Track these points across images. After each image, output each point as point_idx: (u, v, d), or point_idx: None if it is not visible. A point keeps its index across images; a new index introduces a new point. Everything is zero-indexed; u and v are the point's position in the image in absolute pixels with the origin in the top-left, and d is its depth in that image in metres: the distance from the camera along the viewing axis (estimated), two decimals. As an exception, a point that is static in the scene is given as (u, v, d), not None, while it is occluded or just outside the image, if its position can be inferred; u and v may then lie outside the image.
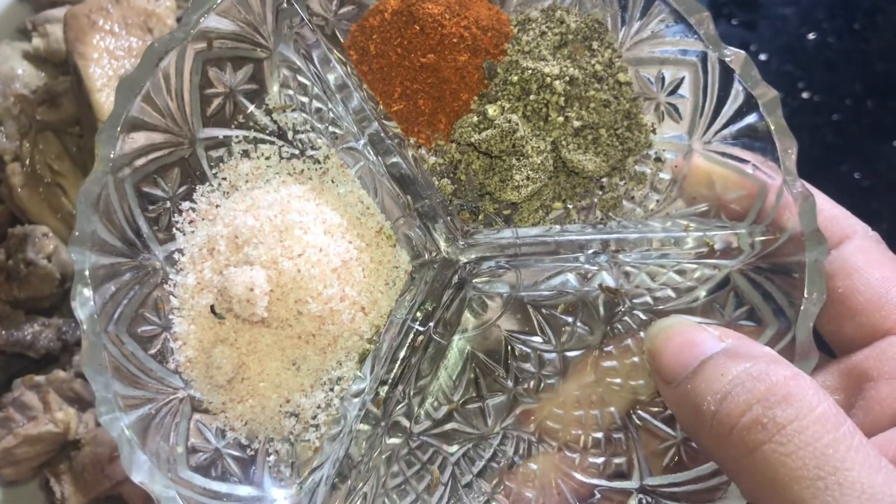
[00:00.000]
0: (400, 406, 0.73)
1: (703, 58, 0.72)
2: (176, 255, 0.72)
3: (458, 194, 0.75)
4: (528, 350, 0.76)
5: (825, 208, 0.73)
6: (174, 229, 0.73)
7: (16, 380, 1.05)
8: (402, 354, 0.71)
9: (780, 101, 0.70)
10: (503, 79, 0.74)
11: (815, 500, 0.54)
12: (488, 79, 0.75)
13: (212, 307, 0.70)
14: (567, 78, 0.73)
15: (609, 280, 0.75)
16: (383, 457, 0.73)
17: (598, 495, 0.73)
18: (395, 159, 0.72)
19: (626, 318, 0.75)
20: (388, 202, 0.75)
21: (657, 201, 0.76)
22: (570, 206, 0.76)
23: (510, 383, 0.75)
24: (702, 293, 0.74)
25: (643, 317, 0.75)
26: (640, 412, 0.74)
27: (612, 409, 0.74)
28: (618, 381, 0.75)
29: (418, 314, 0.71)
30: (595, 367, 0.75)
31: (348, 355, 0.72)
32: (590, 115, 0.74)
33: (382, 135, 0.72)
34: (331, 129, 0.76)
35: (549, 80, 0.72)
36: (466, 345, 0.76)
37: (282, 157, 0.77)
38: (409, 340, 0.71)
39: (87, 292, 0.66)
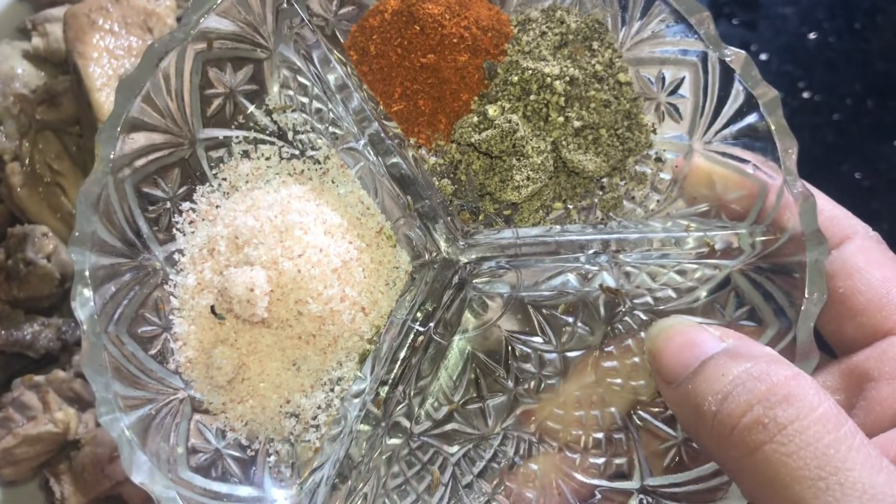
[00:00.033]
0: (400, 406, 0.72)
1: (704, 58, 0.72)
2: (176, 256, 0.72)
3: (459, 194, 0.75)
4: (529, 350, 0.76)
5: (826, 208, 0.73)
6: (174, 230, 0.73)
7: (15, 380, 1.05)
8: (402, 355, 0.71)
9: (781, 101, 0.70)
10: (503, 79, 0.74)
11: (816, 500, 0.54)
12: (488, 79, 0.75)
13: (212, 308, 0.70)
14: (567, 78, 0.73)
15: (609, 280, 0.75)
16: (384, 457, 0.73)
17: (598, 496, 0.73)
18: (395, 160, 0.72)
19: (626, 318, 0.75)
20: (388, 202, 0.75)
21: (658, 201, 0.76)
22: (571, 207, 0.76)
23: (511, 384, 0.75)
24: (702, 293, 0.74)
25: (644, 317, 0.75)
26: (640, 412, 0.74)
27: (613, 409, 0.74)
28: (618, 381, 0.74)
29: (419, 314, 0.71)
30: (596, 367, 0.75)
31: (348, 356, 0.72)
32: (590, 116, 0.73)
33: (382, 135, 0.72)
34: (331, 129, 0.76)
35: (549, 80, 0.72)
36: (467, 345, 0.76)
37: (282, 158, 0.77)
38: (410, 341, 0.71)
39: (88, 293, 0.66)
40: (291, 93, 0.77)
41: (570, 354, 0.76)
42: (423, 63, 0.74)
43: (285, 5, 0.73)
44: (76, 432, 1.03)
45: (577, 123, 0.73)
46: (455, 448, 0.74)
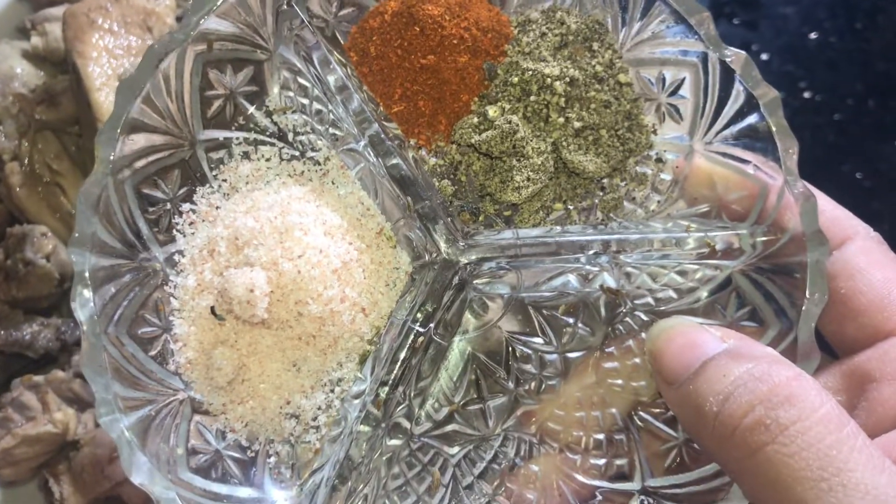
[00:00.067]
0: (400, 407, 0.72)
1: (704, 58, 0.72)
2: (176, 257, 0.72)
3: (459, 195, 0.75)
4: (529, 351, 0.76)
5: (827, 209, 0.73)
6: (174, 231, 0.73)
7: (14, 380, 1.04)
8: (402, 356, 0.71)
9: (782, 101, 0.70)
10: (503, 80, 0.74)
11: (818, 501, 0.53)
12: (488, 80, 0.75)
13: (212, 308, 0.70)
14: (567, 79, 0.73)
15: (610, 281, 0.75)
16: (384, 458, 0.72)
17: (599, 497, 0.73)
18: (395, 161, 0.72)
19: (627, 319, 0.75)
20: (388, 203, 0.75)
21: (658, 202, 0.76)
22: (571, 207, 0.76)
23: (511, 384, 0.75)
24: (703, 294, 0.74)
25: (645, 318, 0.75)
26: (641, 413, 0.74)
27: (614, 410, 0.74)
28: (619, 382, 0.74)
29: (419, 315, 0.71)
30: (596, 368, 0.75)
31: (349, 356, 0.72)
32: (590, 116, 0.73)
33: (383, 136, 0.72)
34: (331, 130, 0.76)
35: (549, 81, 0.72)
36: (467, 346, 0.76)
37: (282, 159, 0.76)
38: (410, 342, 0.71)
39: (87, 294, 0.66)
40: (292, 94, 0.77)
41: (570, 355, 0.75)
42: (423, 64, 0.74)
43: (285, 7, 0.73)
44: (75, 433, 1.03)
45: (577, 124, 0.73)
46: (455, 449, 0.74)
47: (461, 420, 0.75)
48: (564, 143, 0.73)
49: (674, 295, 0.74)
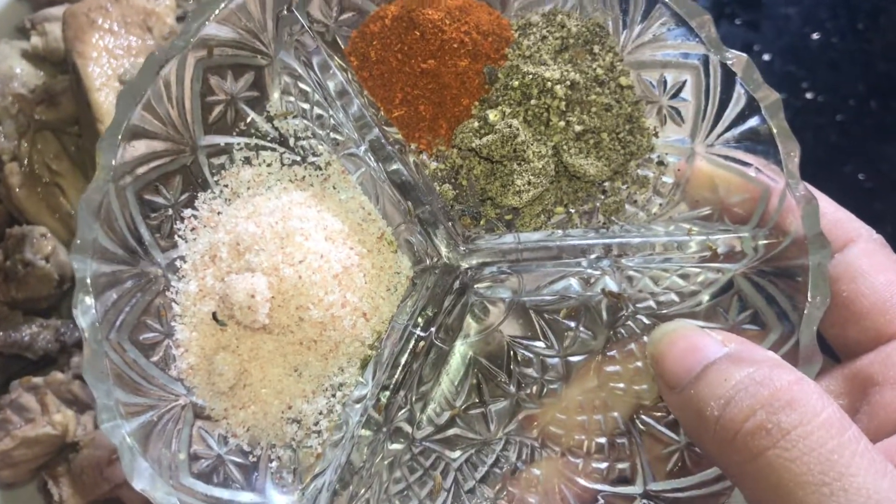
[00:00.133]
0: (402, 412, 0.72)
1: (705, 61, 0.72)
2: (178, 263, 0.73)
3: (460, 199, 0.75)
4: (531, 355, 0.76)
5: (829, 211, 0.73)
6: (176, 236, 0.73)
7: (13, 381, 1.04)
8: (403, 360, 0.71)
9: (784, 102, 0.70)
10: (504, 84, 0.74)
11: (819, 506, 0.54)
12: (489, 84, 0.75)
13: (213, 314, 0.70)
14: (568, 82, 0.73)
15: (612, 284, 0.75)
16: (385, 462, 0.72)
17: (601, 500, 0.73)
18: (395, 166, 0.71)
19: (629, 322, 0.75)
20: (389, 208, 0.75)
21: (660, 205, 0.76)
22: (573, 211, 0.76)
23: (513, 388, 0.75)
24: (705, 297, 0.73)
25: (646, 321, 0.74)
26: (643, 417, 0.74)
27: (616, 413, 0.74)
28: (621, 385, 0.74)
29: (420, 320, 0.71)
30: (598, 371, 0.75)
31: (350, 361, 0.72)
32: (591, 120, 0.73)
33: (383, 141, 0.72)
34: (332, 135, 0.76)
35: (549, 84, 0.72)
36: (468, 350, 0.76)
37: (283, 164, 0.77)
38: (411, 346, 0.71)
39: (89, 300, 0.66)
40: (292, 99, 0.77)
41: (572, 359, 0.75)
42: (424, 68, 0.74)
43: (285, 12, 0.73)
44: (74, 434, 1.03)
45: (578, 128, 0.73)
46: (457, 453, 0.74)
47: (463, 424, 0.75)
48: (565, 147, 0.73)
49: (675, 298, 0.74)
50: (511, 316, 0.76)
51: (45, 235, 1.08)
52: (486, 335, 0.76)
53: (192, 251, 0.73)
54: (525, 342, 0.76)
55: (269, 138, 0.77)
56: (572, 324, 0.76)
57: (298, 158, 0.77)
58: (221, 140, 0.75)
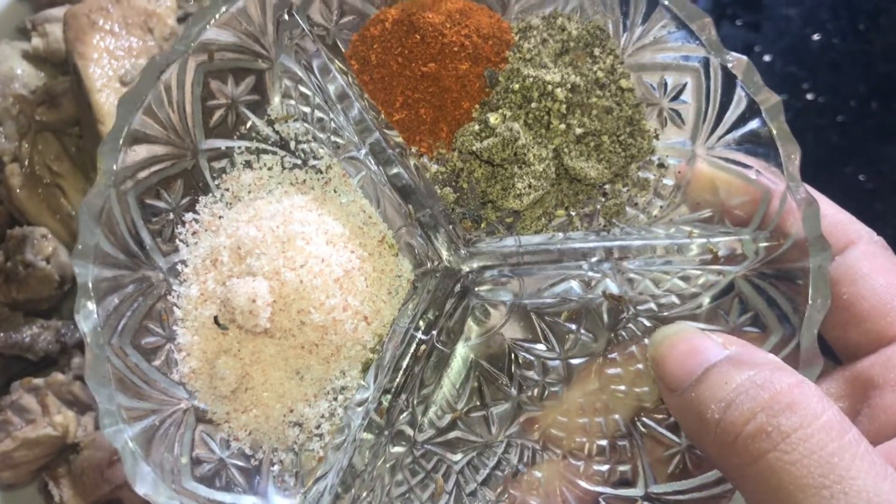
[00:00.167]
0: (403, 415, 0.72)
1: (706, 63, 0.72)
2: (179, 267, 0.73)
3: (461, 203, 0.75)
4: (532, 358, 0.76)
5: (829, 213, 0.73)
6: (177, 241, 0.73)
7: (14, 382, 1.04)
8: (405, 363, 0.71)
9: (784, 103, 0.70)
10: (504, 87, 0.74)
11: (819, 508, 0.54)
12: (490, 87, 0.75)
13: (215, 318, 0.70)
14: (569, 85, 0.73)
15: (613, 287, 0.75)
16: (387, 466, 0.73)
17: (602, 503, 0.73)
18: (396, 169, 0.71)
19: (630, 324, 0.75)
20: (390, 211, 0.75)
21: (661, 207, 0.76)
22: (573, 214, 0.76)
23: (514, 391, 0.75)
24: (706, 299, 0.73)
25: (647, 323, 0.74)
26: (644, 419, 0.74)
27: (617, 416, 0.74)
28: (622, 388, 0.74)
29: (421, 323, 0.71)
30: (599, 374, 0.75)
31: (351, 365, 0.72)
32: (592, 122, 0.73)
33: (384, 144, 0.72)
34: (333, 138, 0.76)
35: (550, 87, 0.72)
36: (470, 353, 0.76)
37: (284, 168, 0.77)
38: (413, 349, 0.71)
39: (91, 305, 0.66)
40: (293, 102, 0.77)
41: (573, 361, 0.75)
42: (424, 72, 0.74)
43: (286, 16, 0.73)
44: (75, 435, 1.03)
45: (578, 130, 0.73)
46: (458, 456, 0.74)
47: (464, 427, 0.75)
48: (566, 150, 0.73)
49: (676, 300, 0.74)
50: (512, 319, 0.76)
51: (45, 236, 1.08)
52: (487, 338, 0.76)
53: (193, 255, 0.73)
54: (526, 345, 0.76)
55: (269, 142, 0.77)
56: (573, 326, 0.76)
57: (299, 162, 0.77)
58: (222, 144, 0.75)
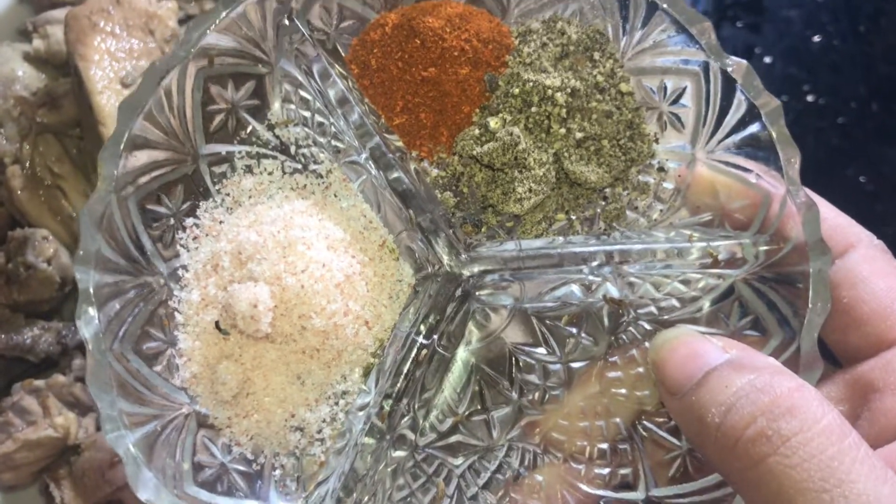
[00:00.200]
0: (405, 419, 0.73)
1: (706, 67, 0.72)
2: (180, 272, 0.73)
3: (461, 207, 0.75)
4: (533, 361, 0.76)
5: (829, 217, 0.73)
6: (178, 246, 0.73)
7: (15, 384, 1.04)
8: (406, 368, 0.71)
9: (785, 105, 0.70)
10: (504, 91, 0.74)
11: (820, 512, 0.54)
12: (490, 91, 0.75)
13: (216, 323, 0.70)
14: (568, 90, 0.73)
15: (613, 291, 0.75)
16: (389, 470, 0.73)
17: None
18: (396, 174, 0.72)
19: (630, 328, 0.75)
20: (390, 215, 0.75)
21: (661, 211, 0.76)
22: (574, 218, 0.76)
23: (515, 395, 0.75)
24: (706, 303, 0.73)
25: (648, 327, 0.75)
26: (645, 422, 0.74)
27: (618, 419, 0.74)
28: (623, 391, 0.74)
29: (422, 327, 0.71)
30: (600, 377, 0.75)
31: (353, 369, 0.72)
32: (592, 127, 0.73)
33: (384, 149, 0.72)
34: (333, 143, 0.76)
35: (550, 92, 0.72)
36: (471, 357, 0.76)
37: (284, 172, 0.77)
38: (414, 354, 0.71)
39: (92, 311, 0.66)
40: (293, 107, 0.77)
41: (574, 365, 0.76)
42: (425, 76, 0.74)
43: (286, 21, 0.73)
44: (76, 437, 1.03)
45: (578, 135, 0.73)
46: (460, 460, 0.74)
47: (465, 431, 0.75)
48: (566, 154, 0.74)
49: (677, 304, 0.74)
50: (513, 322, 0.76)
51: (46, 238, 1.08)
52: (488, 342, 0.76)
53: (194, 260, 0.73)
54: (527, 348, 0.76)
55: (270, 146, 0.77)
56: (574, 330, 0.76)
57: (300, 166, 0.77)
58: (223, 149, 0.76)
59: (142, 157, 0.70)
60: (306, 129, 0.77)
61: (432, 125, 0.75)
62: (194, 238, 0.74)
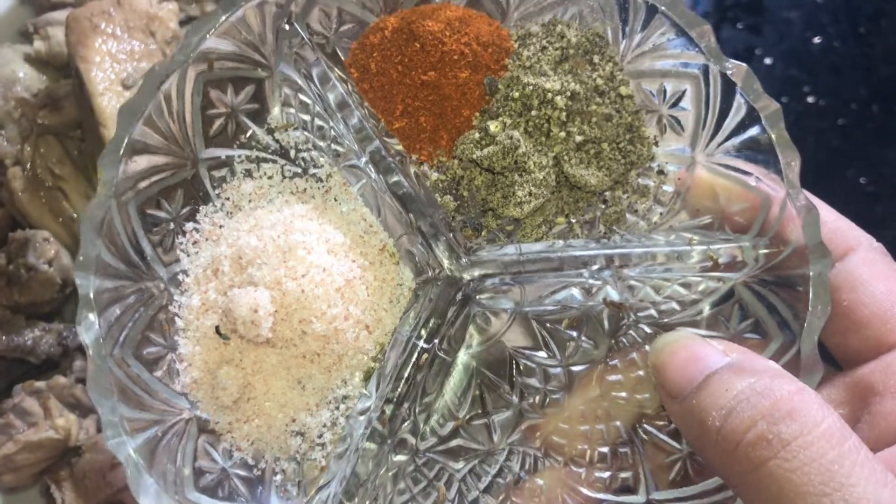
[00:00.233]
0: (406, 423, 0.73)
1: (705, 70, 0.72)
2: (180, 277, 0.73)
3: (461, 211, 0.75)
4: (533, 365, 0.76)
5: (829, 220, 0.73)
6: (178, 250, 0.73)
7: (16, 385, 1.04)
8: (407, 372, 0.71)
9: (785, 106, 0.70)
10: (504, 95, 0.74)
11: (820, 516, 0.54)
12: (489, 95, 0.75)
13: (216, 328, 0.70)
14: (568, 93, 0.73)
15: (613, 294, 0.75)
16: (390, 474, 0.73)
17: None
18: (396, 178, 0.72)
19: (630, 331, 0.75)
20: (390, 219, 0.75)
21: (661, 214, 0.76)
22: (574, 221, 0.76)
23: (515, 399, 0.75)
24: (706, 306, 0.74)
25: (648, 330, 0.75)
26: (645, 426, 0.74)
27: (618, 423, 0.74)
28: (623, 394, 0.74)
29: (423, 331, 0.71)
30: (600, 381, 0.75)
31: (353, 374, 0.72)
32: (591, 130, 0.73)
33: (384, 153, 0.72)
34: (333, 147, 0.76)
35: (550, 95, 0.72)
36: (471, 361, 0.76)
37: (284, 176, 0.77)
38: (414, 358, 0.71)
39: (93, 317, 0.66)
40: (293, 111, 0.77)
41: (574, 369, 0.76)
42: (424, 80, 0.74)
43: (285, 25, 0.73)
44: (77, 438, 1.03)
45: (578, 138, 0.73)
46: (461, 464, 0.74)
47: (466, 435, 0.75)
48: (566, 158, 0.74)
49: (677, 307, 0.74)
50: (513, 326, 0.76)
51: (47, 240, 1.08)
52: (488, 346, 0.76)
53: (194, 265, 0.73)
54: (527, 352, 0.76)
55: (269, 150, 0.77)
56: (574, 333, 0.76)
57: (299, 170, 0.77)
58: (222, 153, 0.76)
59: (141, 162, 0.70)
60: (306, 133, 0.77)
61: (432, 129, 0.75)
62: (194, 243, 0.74)
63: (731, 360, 0.63)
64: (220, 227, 0.74)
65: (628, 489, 0.73)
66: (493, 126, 0.73)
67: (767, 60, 1.43)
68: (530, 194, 0.72)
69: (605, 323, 0.75)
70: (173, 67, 0.70)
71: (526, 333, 0.76)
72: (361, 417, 0.71)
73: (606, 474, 0.74)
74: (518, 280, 0.74)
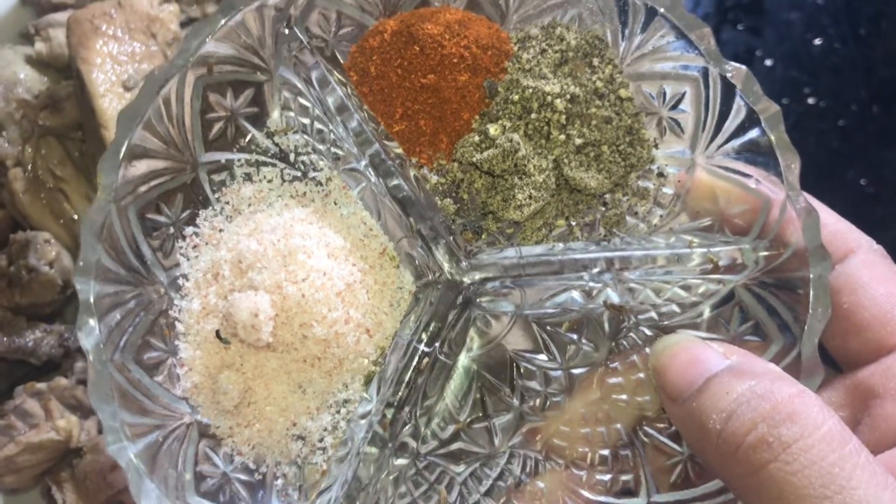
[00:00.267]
0: (407, 427, 0.73)
1: (705, 73, 0.72)
2: (180, 281, 0.73)
3: (461, 214, 0.75)
4: (534, 368, 0.76)
5: (829, 222, 0.73)
6: (178, 255, 0.73)
7: (17, 387, 1.04)
8: (407, 375, 0.71)
9: (786, 108, 0.70)
10: (504, 97, 0.74)
11: (821, 519, 0.54)
12: (489, 98, 0.75)
13: (217, 332, 0.70)
14: (568, 96, 0.73)
15: (613, 297, 0.75)
16: (391, 478, 0.73)
17: None
18: (396, 181, 0.72)
19: (631, 334, 0.75)
20: (390, 222, 0.75)
21: (661, 216, 0.76)
22: (574, 223, 0.76)
23: (516, 402, 0.75)
24: (706, 308, 0.73)
25: (648, 333, 0.75)
26: (646, 428, 0.74)
27: (619, 425, 0.74)
28: (624, 397, 0.74)
29: (423, 335, 0.71)
30: (601, 383, 0.75)
31: (354, 377, 0.72)
32: (591, 133, 0.73)
33: (383, 156, 0.72)
34: (332, 150, 0.76)
35: (550, 98, 0.72)
36: (472, 364, 0.76)
37: (284, 180, 0.77)
38: (415, 361, 0.71)
39: (93, 322, 0.66)
40: (292, 114, 0.77)
41: (575, 371, 0.76)
42: (424, 83, 0.74)
43: (285, 29, 0.73)
44: (78, 440, 1.03)
45: (578, 141, 0.73)
46: (461, 467, 0.74)
47: (467, 438, 0.75)
48: (566, 160, 0.74)
49: (677, 309, 0.74)
50: (514, 329, 0.76)
51: (48, 241, 1.08)
52: (489, 349, 0.76)
53: (194, 269, 0.73)
54: (528, 355, 0.76)
55: (269, 154, 0.77)
56: (575, 336, 0.76)
57: (299, 174, 0.77)
58: (222, 157, 0.75)
59: (141, 167, 0.70)
60: (305, 137, 0.77)
61: (432, 132, 0.75)
62: (194, 247, 0.74)
63: (732, 363, 0.63)
64: (220, 231, 0.74)
65: (629, 492, 0.73)
66: (492, 129, 0.73)
67: (768, 62, 1.43)
68: (530, 197, 0.72)
69: (606, 325, 0.75)
70: (172, 72, 0.70)
71: (526, 336, 0.76)
72: (362, 421, 0.71)
73: (607, 477, 0.74)
74: (518, 283, 0.74)
